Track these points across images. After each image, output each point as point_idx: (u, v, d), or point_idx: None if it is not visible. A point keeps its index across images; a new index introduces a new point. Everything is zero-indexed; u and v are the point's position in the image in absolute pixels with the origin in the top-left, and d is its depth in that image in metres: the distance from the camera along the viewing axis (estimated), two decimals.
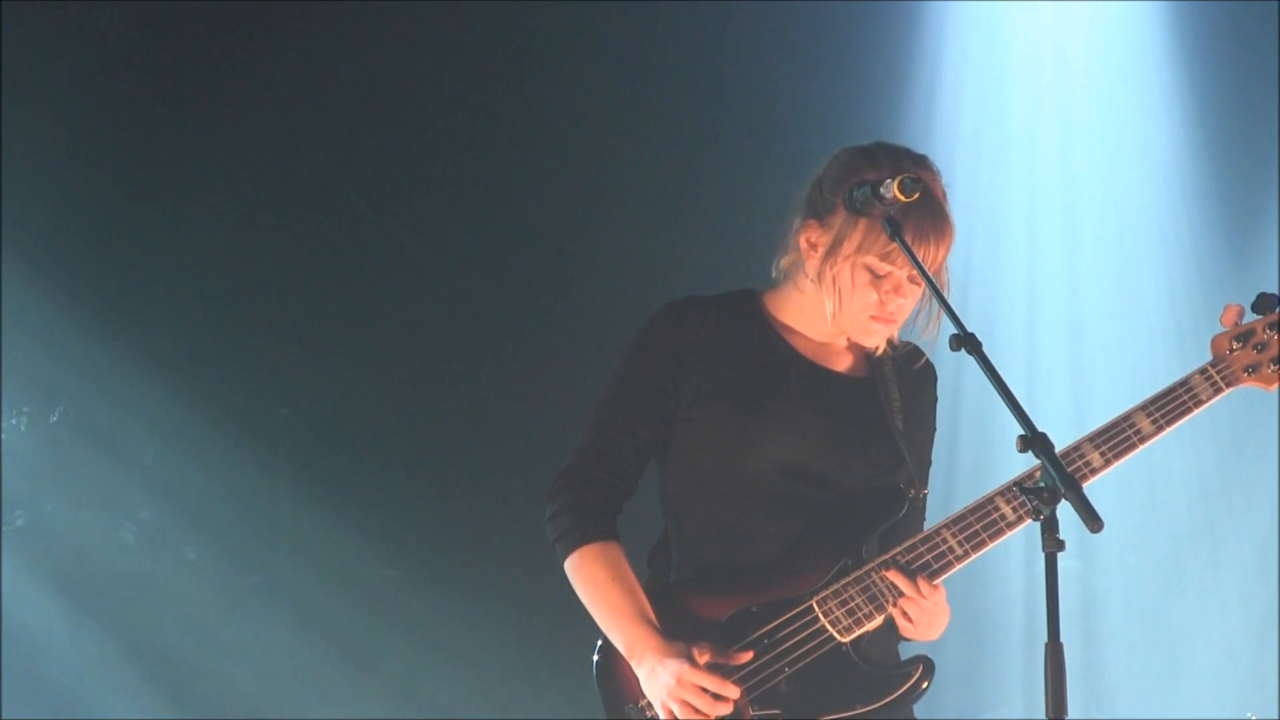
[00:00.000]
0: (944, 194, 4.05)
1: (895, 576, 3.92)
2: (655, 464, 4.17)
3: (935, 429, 4.27)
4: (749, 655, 3.92)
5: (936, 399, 4.26)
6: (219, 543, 7.56)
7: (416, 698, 7.59)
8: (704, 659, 3.86)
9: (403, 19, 7.66)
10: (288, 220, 7.70)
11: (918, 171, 3.96)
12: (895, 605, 3.93)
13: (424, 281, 7.81)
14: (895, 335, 4.16)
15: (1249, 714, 7.53)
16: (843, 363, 4.16)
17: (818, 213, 4.05)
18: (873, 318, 4.03)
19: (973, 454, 7.72)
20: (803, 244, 4.07)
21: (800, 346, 4.14)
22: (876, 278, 4.00)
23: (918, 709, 4.06)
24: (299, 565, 7.59)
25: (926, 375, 4.23)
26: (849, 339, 4.15)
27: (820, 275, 4.02)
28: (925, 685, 3.97)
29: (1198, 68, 8.20)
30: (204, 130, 7.54)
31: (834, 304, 4.02)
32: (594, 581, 4.00)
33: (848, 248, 3.98)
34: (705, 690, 3.84)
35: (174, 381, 7.45)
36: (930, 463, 4.25)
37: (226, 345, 7.57)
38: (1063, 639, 3.43)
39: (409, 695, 7.60)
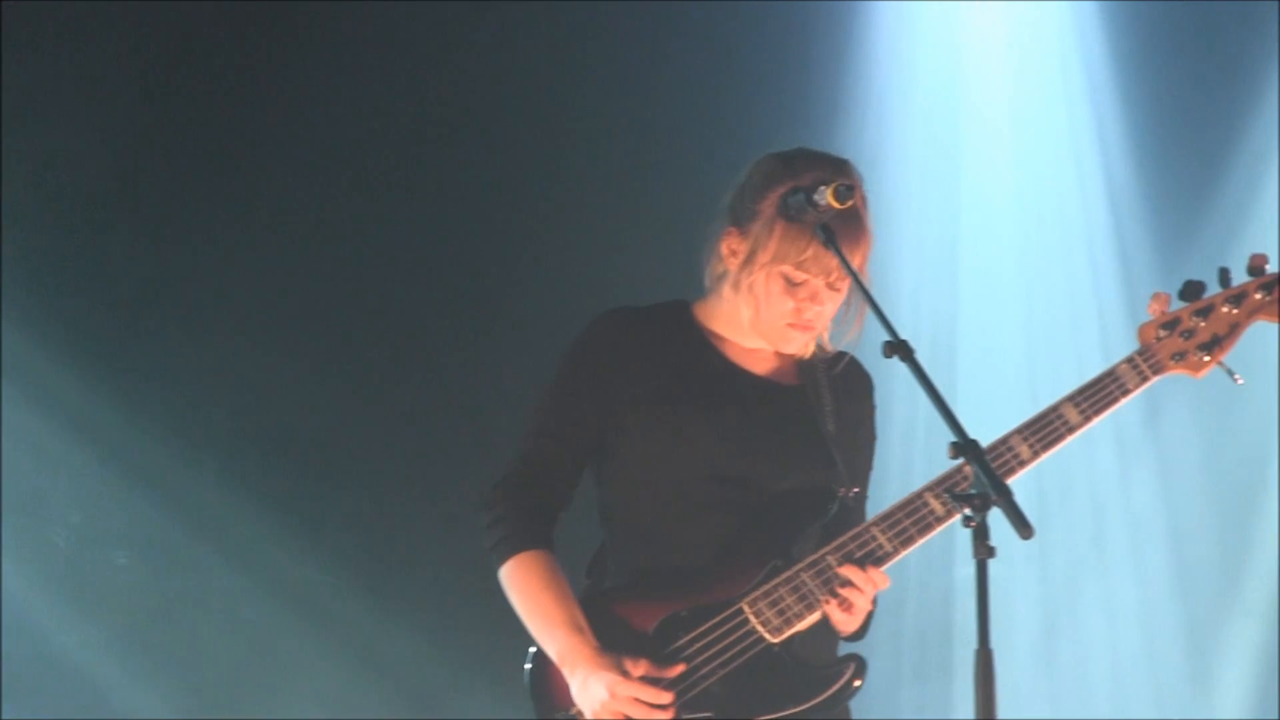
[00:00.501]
0: (864, 200, 4.07)
1: (846, 566, 3.94)
2: (592, 473, 4.19)
3: (875, 436, 4.30)
4: (681, 665, 3.94)
5: (874, 407, 4.29)
6: (150, 548, 7.50)
7: (347, 703, 7.56)
8: (637, 670, 3.90)
9: (338, 19, 7.64)
10: (218, 222, 7.63)
11: (838, 178, 3.99)
12: (829, 600, 3.94)
13: (359, 285, 7.76)
14: (827, 342, 4.18)
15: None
16: (773, 370, 4.19)
17: (739, 220, 4.09)
18: (789, 325, 4.06)
19: (904, 457, 7.75)
20: (724, 251, 4.11)
21: (731, 354, 4.17)
22: (792, 285, 4.03)
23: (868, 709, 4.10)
24: (230, 570, 7.54)
25: (861, 384, 4.26)
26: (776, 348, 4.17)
27: (738, 283, 4.06)
28: (858, 683, 4.01)
29: (1129, 67, 8.25)
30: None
31: (751, 311, 4.06)
32: (527, 590, 4.04)
33: (763, 256, 4.02)
34: (640, 701, 3.87)
35: (104, 384, 7.37)
36: (870, 468, 4.28)
37: (157, 349, 7.50)
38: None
39: (340, 700, 7.56)
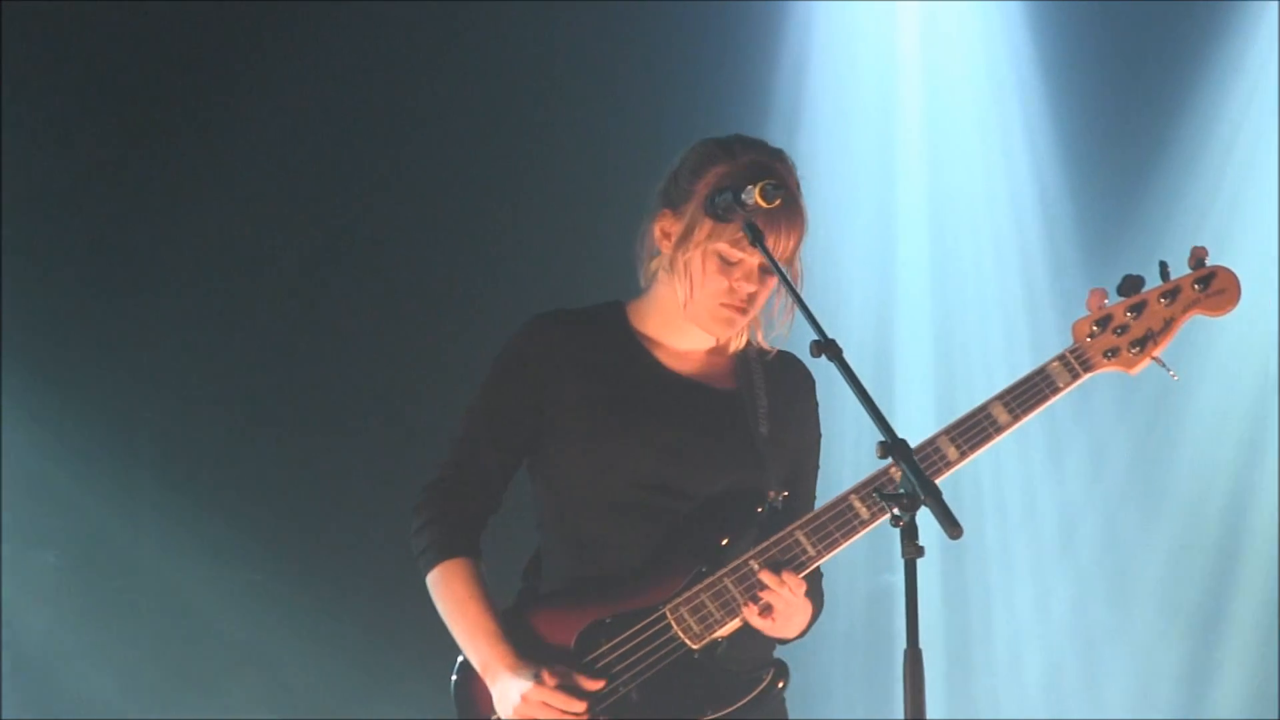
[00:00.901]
0: (798, 185, 4.06)
1: (762, 572, 3.92)
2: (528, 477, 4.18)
3: (820, 435, 4.28)
4: (600, 670, 3.94)
5: (816, 404, 4.26)
6: (81, 547, 7.45)
7: (278, 701, 7.53)
8: (554, 678, 3.89)
9: (297, 16, 7.61)
10: (157, 221, 7.58)
11: (774, 164, 4.01)
12: (749, 605, 3.93)
13: (288, 287, 7.73)
14: (762, 339, 4.16)
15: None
16: (707, 373, 4.17)
17: (672, 202, 4.07)
18: (723, 304, 4.03)
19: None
20: (657, 233, 4.09)
21: (663, 358, 4.15)
22: (728, 265, 4.00)
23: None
24: (163, 569, 7.49)
25: (802, 382, 4.24)
26: (711, 346, 4.15)
27: (673, 263, 4.03)
28: (781, 686, 4.00)
29: (1057, 67, 8.28)
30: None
31: (685, 291, 4.03)
32: (452, 599, 4.03)
33: (699, 234, 4.00)
34: (551, 707, 3.87)
35: (36, 383, 7.33)
36: (817, 467, 4.26)
37: (90, 347, 7.45)
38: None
39: (271, 698, 7.53)
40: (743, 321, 4.08)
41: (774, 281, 4.03)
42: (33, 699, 7.30)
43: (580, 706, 3.88)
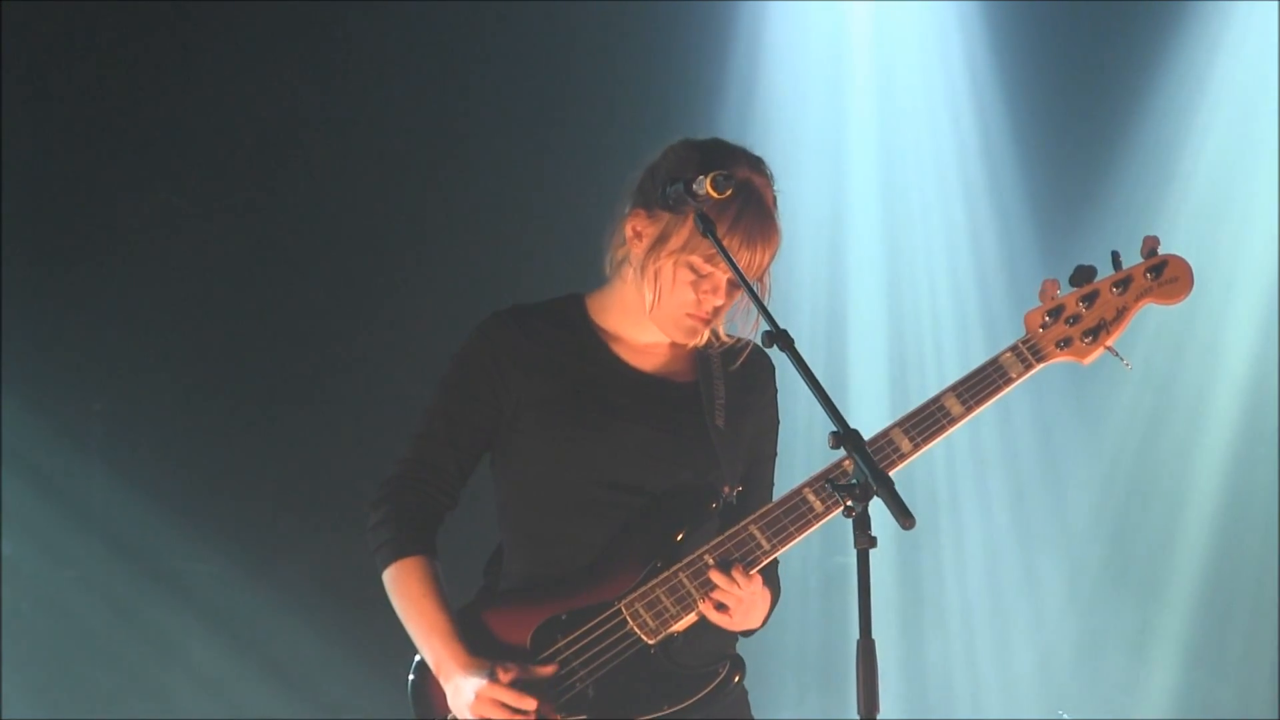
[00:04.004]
0: (774, 201, 4.04)
1: (711, 571, 3.91)
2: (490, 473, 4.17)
3: (777, 421, 4.26)
4: (553, 667, 3.93)
5: (775, 391, 4.25)
6: (32, 537, 7.41)
7: (227, 693, 7.52)
8: (508, 675, 3.88)
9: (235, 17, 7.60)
10: (103, 211, 7.55)
11: (750, 174, 3.99)
12: (705, 601, 3.91)
13: (249, 277, 7.72)
14: (723, 333, 4.15)
15: (1060, 713, 7.66)
16: (665, 366, 4.16)
17: (647, 203, 4.04)
18: (689, 315, 4.02)
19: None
20: (628, 231, 4.06)
21: (622, 353, 4.14)
22: (698, 277, 4.00)
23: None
24: (113, 559, 7.47)
25: (761, 370, 4.21)
26: (670, 340, 4.13)
27: (643, 268, 4.01)
28: (737, 679, 3.99)
29: (1012, 64, 8.34)
30: None
31: (653, 297, 4.01)
32: (407, 597, 4.03)
33: (674, 243, 3.98)
34: (503, 705, 3.85)
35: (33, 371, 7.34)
36: (774, 454, 4.25)
37: (39, 338, 7.44)
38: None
39: (220, 691, 7.52)
40: (705, 331, 4.09)
41: (740, 294, 4.00)
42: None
43: (533, 704, 3.86)
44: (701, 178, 3.84)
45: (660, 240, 3.99)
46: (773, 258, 4.02)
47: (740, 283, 3.86)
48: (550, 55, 7.91)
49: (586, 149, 7.59)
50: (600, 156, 7.04)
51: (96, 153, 7.52)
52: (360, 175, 7.76)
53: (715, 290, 4.00)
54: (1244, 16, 8.18)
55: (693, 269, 3.98)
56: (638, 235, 4.04)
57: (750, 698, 4.14)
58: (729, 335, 4.18)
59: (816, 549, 8.06)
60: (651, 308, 4.02)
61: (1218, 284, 8.10)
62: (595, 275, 4.18)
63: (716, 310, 4.03)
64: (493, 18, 7.85)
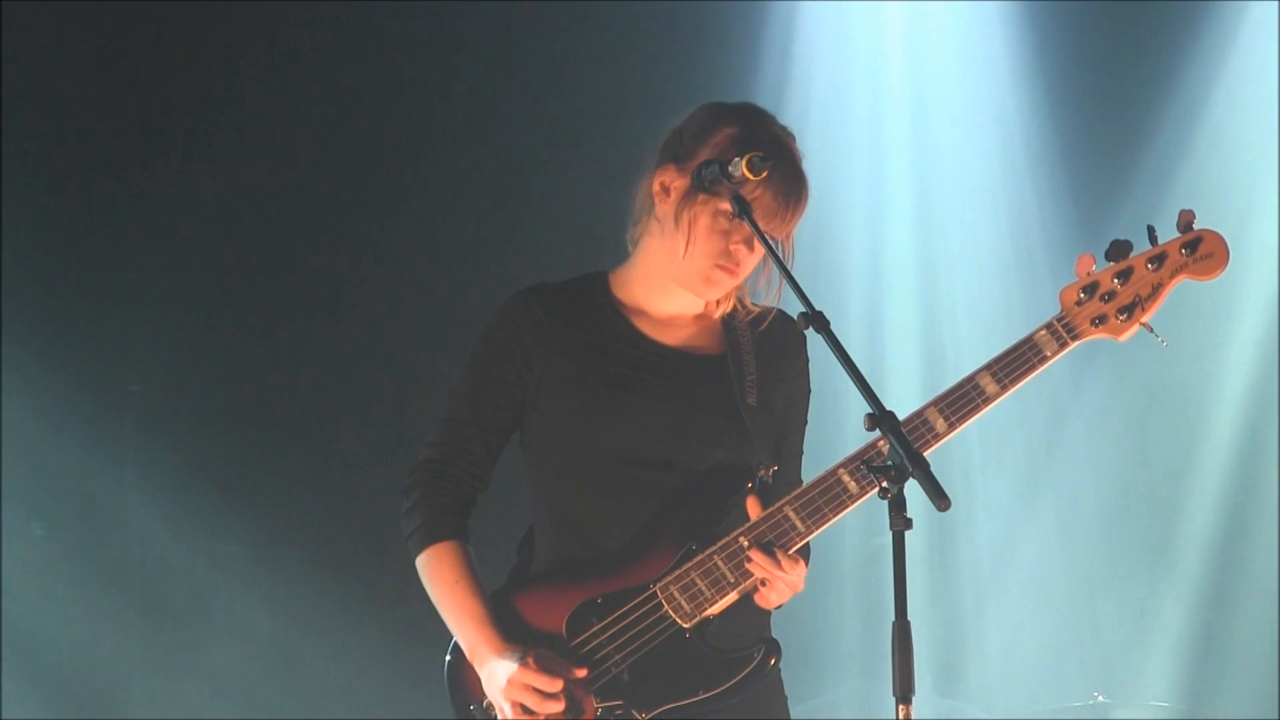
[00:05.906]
0: (800, 157, 4.02)
1: (753, 553, 3.88)
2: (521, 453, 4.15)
3: (809, 390, 4.22)
4: (590, 651, 3.90)
5: (807, 360, 4.21)
6: (67, 518, 7.44)
7: (268, 669, 7.54)
8: (540, 661, 3.86)
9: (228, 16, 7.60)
10: (131, 196, 7.57)
11: (783, 138, 3.97)
12: (738, 586, 3.89)
13: (277, 258, 7.74)
14: (749, 301, 4.13)
15: (1096, 695, 7.63)
16: (691, 340, 4.13)
17: (677, 157, 4.02)
18: (718, 265, 3.98)
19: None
20: (656, 188, 4.03)
21: (646, 329, 4.11)
22: (731, 227, 3.96)
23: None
24: (145, 541, 7.49)
25: (792, 340, 4.17)
26: (697, 311, 4.11)
27: (677, 217, 3.98)
28: (772, 662, 3.95)
29: (1053, 57, 8.37)
30: None
31: (683, 246, 3.97)
32: (441, 582, 4.02)
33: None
34: (535, 690, 3.84)
35: (22, 356, 7.32)
36: (805, 423, 4.21)
37: (76, 320, 7.47)
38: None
39: (260, 667, 7.54)
40: (729, 285, 4.04)
41: (763, 252, 3.98)
42: (24, 671, 7.29)
43: (558, 686, 3.84)
44: (738, 160, 3.83)
45: (694, 189, 3.96)
46: (802, 215, 3.99)
47: (773, 261, 3.85)
48: (582, 56, 7.93)
49: (611, 151, 7.56)
50: (633, 158, 7.06)
51: (101, 154, 7.57)
52: (385, 155, 7.79)
53: (747, 241, 3.95)
54: None
55: (726, 217, 3.95)
56: (666, 190, 4.02)
57: (789, 679, 4.12)
58: (754, 304, 4.15)
59: (854, 532, 8.04)
60: (682, 255, 3.97)
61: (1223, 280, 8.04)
62: (612, 263, 4.17)
63: (744, 261, 3.99)
64: (527, 15, 7.87)
